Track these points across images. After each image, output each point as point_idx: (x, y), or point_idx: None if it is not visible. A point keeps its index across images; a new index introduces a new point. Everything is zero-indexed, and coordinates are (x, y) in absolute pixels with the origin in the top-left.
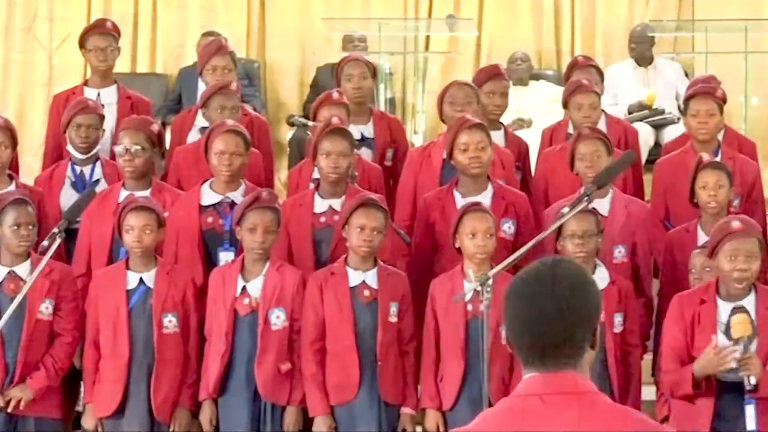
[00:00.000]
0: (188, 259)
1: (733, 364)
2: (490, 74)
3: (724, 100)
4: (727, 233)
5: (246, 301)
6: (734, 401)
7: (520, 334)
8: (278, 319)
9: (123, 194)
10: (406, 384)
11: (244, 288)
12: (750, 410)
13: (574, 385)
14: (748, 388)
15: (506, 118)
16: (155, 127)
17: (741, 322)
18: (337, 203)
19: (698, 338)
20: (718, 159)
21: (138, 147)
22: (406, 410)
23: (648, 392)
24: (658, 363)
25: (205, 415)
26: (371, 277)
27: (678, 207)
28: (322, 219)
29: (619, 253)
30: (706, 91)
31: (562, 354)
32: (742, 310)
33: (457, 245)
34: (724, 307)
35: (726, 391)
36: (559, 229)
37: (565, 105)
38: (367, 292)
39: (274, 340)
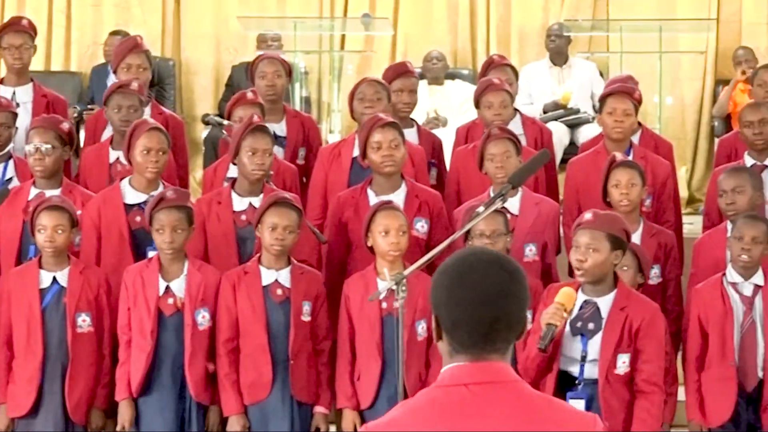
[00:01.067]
0: (117, 258)
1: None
2: (398, 71)
3: (640, 101)
4: (577, 225)
5: (170, 301)
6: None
7: (456, 318)
8: (204, 318)
9: (33, 192)
10: (319, 383)
11: (167, 288)
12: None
13: (501, 373)
14: (542, 345)
15: (421, 117)
16: (66, 125)
17: (565, 291)
18: (256, 201)
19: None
20: (630, 158)
21: (48, 146)
22: (319, 409)
23: None
24: None
25: (124, 415)
26: (284, 276)
27: (591, 206)
28: (243, 217)
29: (530, 251)
30: (623, 90)
31: (497, 339)
32: (586, 306)
33: (369, 244)
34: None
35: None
36: (469, 229)
37: (477, 104)
38: (279, 291)
39: (202, 340)
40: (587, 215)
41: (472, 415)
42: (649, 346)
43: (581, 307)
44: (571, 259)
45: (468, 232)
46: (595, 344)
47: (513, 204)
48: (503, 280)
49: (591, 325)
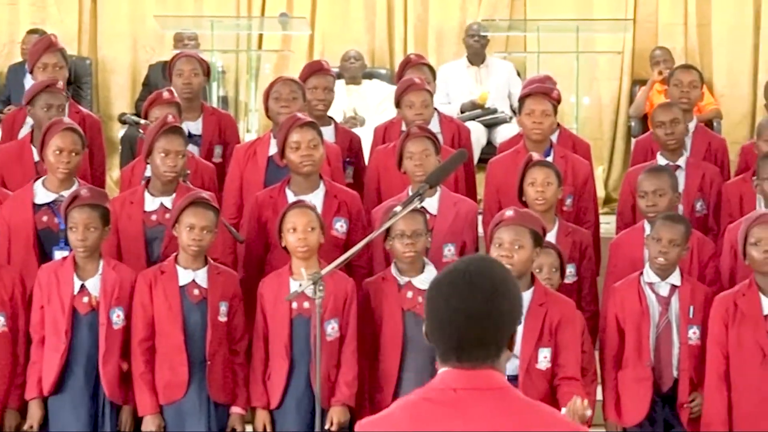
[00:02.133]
0: (23, 258)
1: None
2: (312, 69)
3: (558, 101)
4: (499, 221)
5: (85, 299)
6: None
7: (438, 331)
8: (118, 318)
9: None
10: (236, 383)
11: (82, 286)
12: None
13: (489, 380)
14: None
15: (339, 117)
16: None
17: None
18: (168, 201)
19: None
20: (549, 159)
21: None
22: (236, 410)
23: None
24: None
25: (33, 415)
26: (201, 276)
27: (510, 205)
28: (154, 217)
29: (449, 251)
30: (542, 91)
31: (479, 353)
32: None
33: (283, 244)
34: None
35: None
36: (388, 229)
37: (398, 103)
38: (196, 291)
39: (117, 339)
40: (508, 212)
41: (459, 417)
42: (568, 341)
43: None
44: (493, 254)
45: (388, 232)
46: (517, 338)
47: (431, 204)
48: (476, 298)
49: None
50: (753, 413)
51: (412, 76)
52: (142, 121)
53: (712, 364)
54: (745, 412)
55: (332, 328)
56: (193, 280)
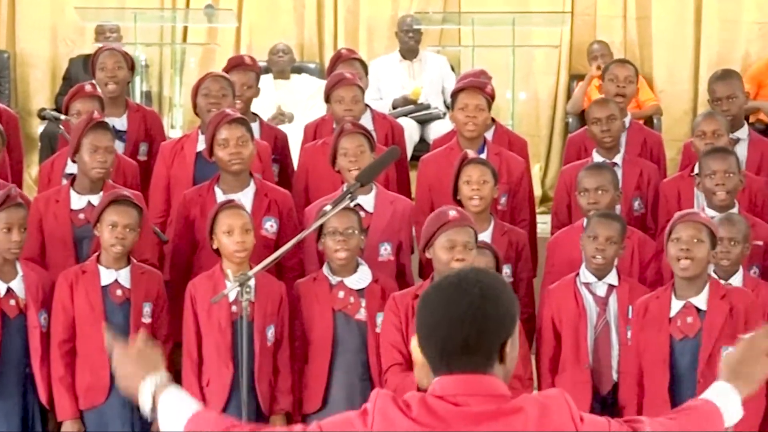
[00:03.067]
0: None
1: None
2: (233, 64)
3: (493, 96)
4: (443, 222)
5: (12, 302)
6: None
7: (427, 339)
8: (45, 320)
9: None
10: None
11: (9, 289)
12: None
13: (486, 386)
14: None
15: (267, 113)
16: None
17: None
18: (96, 199)
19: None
20: (483, 156)
21: None
22: None
23: None
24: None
25: None
26: (124, 276)
27: (443, 203)
28: (81, 216)
29: (385, 250)
30: (475, 86)
31: (466, 361)
32: None
33: (214, 246)
34: None
35: None
36: (321, 227)
37: (327, 98)
38: (119, 292)
39: (47, 341)
40: (452, 212)
41: (455, 425)
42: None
43: None
44: (442, 258)
45: (321, 231)
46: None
47: (367, 202)
48: (463, 301)
49: None
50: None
51: (342, 71)
52: (63, 117)
53: (629, 367)
54: (648, 415)
55: (272, 333)
56: (116, 280)
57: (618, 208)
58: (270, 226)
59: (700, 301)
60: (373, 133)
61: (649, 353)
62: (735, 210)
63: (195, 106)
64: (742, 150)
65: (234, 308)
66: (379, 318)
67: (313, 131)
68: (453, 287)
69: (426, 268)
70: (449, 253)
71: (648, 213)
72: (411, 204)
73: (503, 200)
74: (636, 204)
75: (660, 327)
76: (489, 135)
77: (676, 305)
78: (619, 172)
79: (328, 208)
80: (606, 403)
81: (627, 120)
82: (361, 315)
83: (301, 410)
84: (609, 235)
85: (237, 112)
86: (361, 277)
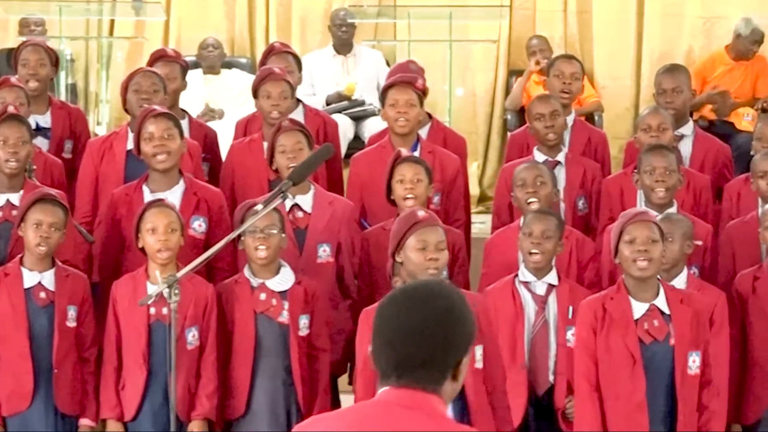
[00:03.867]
0: None
1: None
2: (155, 58)
3: (424, 91)
4: (413, 223)
5: None
6: None
7: (379, 350)
8: None
9: None
10: (85, 393)
11: None
12: None
13: (426, 405)
14: None
15: (196, 109)
16: None
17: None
18: (15, 197)
19: None
20: (416, 153)
21: None
22: (85, 421)
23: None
24: None
25: None
26: (48, 278)
27: (376, 204)
28: (0, 214)
29: (324, 252)
30: (405, 81)
31: (421, 374)
32: None
33: (140, 245)
34: None
35: None
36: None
37: (255, 93)
38: (43, 295)
39: None
40: (421, 213)
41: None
42: None
43: None
44: (415, 259)
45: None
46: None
47: (305, 202)
48: (421, 315)
49: None
50: (627, 420)
51: (271, 66)
52: None
53: (581, 371)
54: (619, 419)
55: (193, 336)
56: (40, 283)
57: (562, 207)
58: (198, 225)
59: (662, 303)
60: None
61: (614, 357)
62: (674, 208)
63: (125, 102)
64: (686, 147)
65: (152, 310)
66: (302, 320)
67: (244, 128)
68: (418, 298)
69: (362, 270)
70: (421, 254)
71: (592, 213)
72: (351, 205)
73: (436, 199)
74: (580, 203)
75: (626, 330)
76: (425, 132)
77: (639, 307)
78: (563, 171)
79: (259, 207)
80: (541, 405)
81: (571, 117)
82: (284, 318)
83: (224, 416)
84: (544, 229)
85: (164, 107)
86: (284, 279)
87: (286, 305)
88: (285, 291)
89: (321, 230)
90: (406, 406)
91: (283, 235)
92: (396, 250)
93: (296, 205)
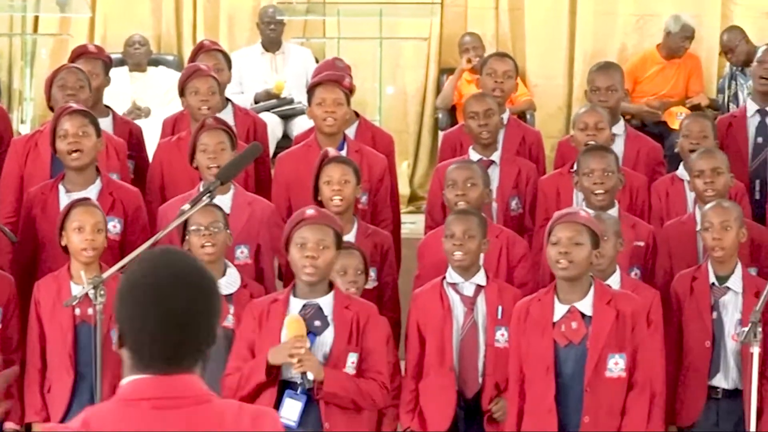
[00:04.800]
0: None
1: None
2: (76, 54)
3: (351, 89)
4: (299, 221)
5: None
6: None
7: (138, 336)
8: None
9: None
10: (9, 396)
11: None
12: (290, 402)
13: (188, 388)
14: (307, 385)
15: (123, 107)
16: None
17: (292, 321)
18: None
19: (265, 334)
20: (342, 153)
21: None
22: (10, 425)
23: None
24: None
25: None
26: None
27: (302, 204)
28: None
29: (242, 253)
30: (332, 79)
31: (183, 357)
32: (305, 309)
33: (63, 243)
34: (295, 304)
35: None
36: (185, 227)
37: (182, 91)
38: None
39: None
40: (309, 211)
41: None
42: (375, 345)
43: (301, 310)
44: (294, 257)
45: (184, 231)
46: (327, 340)
47: (224, 202)
48: (191, 297)
49: (317, 323)
50: (539, 425)
51: (198, 63)
52: None
53: (512, 373)
54: (532, 423)
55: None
56: None
57: (495, 206)
58: (113, 226)
59: (585, 305)
60: (235, 130)
61: (532, 359)
62: (615, 210)
63: (49, 99)
64: (618, 146)
65: (77, 311)
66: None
67: (172, 126)
68: (171, 279)
69: (286, 271)
70: (300, 252)
71: (526, 213)
72: (270, 206)
73: (364, 199)
74: (513, 204)
75: (543, 332)
76: (352, 131)
77: (560, 309)
78: (497, 170)
79: (186, 207)
80: (470, 407)
81: (505, 116)
82: (229, 322)
83: None
84: (465, 229)
85: (81, 105)
86: (230, 282)
87: (232, 309)
88: (231, 294)
89: (239, 231)
90: (174, 397)
91: (228, 231)
92: (286, 249)
93: (216, 205)
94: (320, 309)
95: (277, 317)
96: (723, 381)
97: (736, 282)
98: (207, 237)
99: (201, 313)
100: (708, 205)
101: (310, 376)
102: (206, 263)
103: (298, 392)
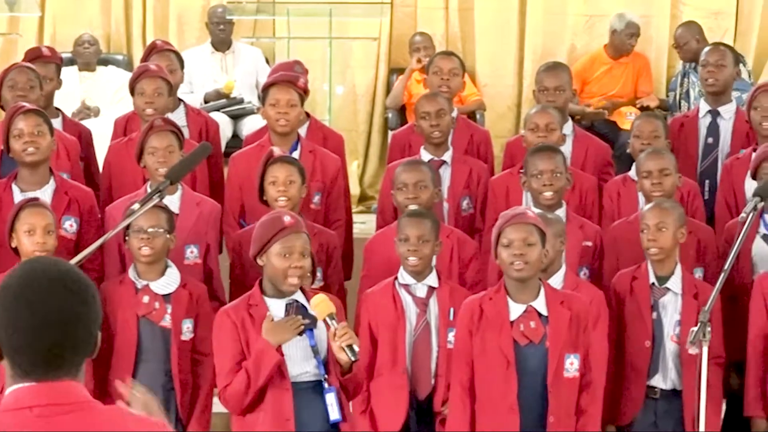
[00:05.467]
0: None
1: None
2: (30, 57)
3: (306, 90)
4: (280, 229)
5: None
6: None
7: (15, 344)
8: None
9: None
10: None
11: None
12: (331, 398)
13: (70, 394)
14: (353, 359)
15: (72, 106)
16: None
17: (320, 301)
18: None
19: (255, 337)
20: (296, 153)
21: None
22: None
23: None
24: None
25: None
26: None
27: (254, 203)
28: None
29: (191, 253)
30: (287, 80)
31: (62, 364)
32: (291, 306)
33: (13, 245)
34: (276, 304)
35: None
36: (128, 227)
37: (132, 91)
38: None
39: None
40: (287, 218)
41: None
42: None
43: (286, 310)
44: (278, 266)
45: (126, 231)
46: (321, 335)
47: (173, 202)
48: (67, 302)
49: (307, 320)
50: (499, 422)
51: (147, 63)
52: None
53: (456, 374)
54: (491, 422)
55: None
56: None
57: (446, 207)
58: (69, 225)
59: (540, 305)
60: (186, 130)
61: (489, 358)
62: (562, 210)
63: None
64: (566, 146)
65: None
66: (186, 324)
67: (123, 126)
68: (53, 283)
69: (233, 271)
70: (286, 261)
71: (476, 213)
72: (218, 206)
73: (317, 199)
74: (465, 204)
75: (501, 331)
76: (303, 131)
77: (516, 308)
78: (448, 170)
79: (136, 206)
80: (422, 408)
81: (453, 115)
82: (166, 322)
83: None
84: (419, 234)
85: (38, 105)
86: (169, 281)
87: (169, 309)
88: (169, 294)
89: (188, 231)
90: (56, 404)
91: (170, 235)
92: (259, 254)
93: (164, 206)
94: (304, 306)
95: (261, 319)
96: (661, 381)
97: (675, 283)
98: (145, 240)
99: (77, 319)
100: (646, 207)
101: (356, 347)
102: (143, 264)
103: (326, 387)
